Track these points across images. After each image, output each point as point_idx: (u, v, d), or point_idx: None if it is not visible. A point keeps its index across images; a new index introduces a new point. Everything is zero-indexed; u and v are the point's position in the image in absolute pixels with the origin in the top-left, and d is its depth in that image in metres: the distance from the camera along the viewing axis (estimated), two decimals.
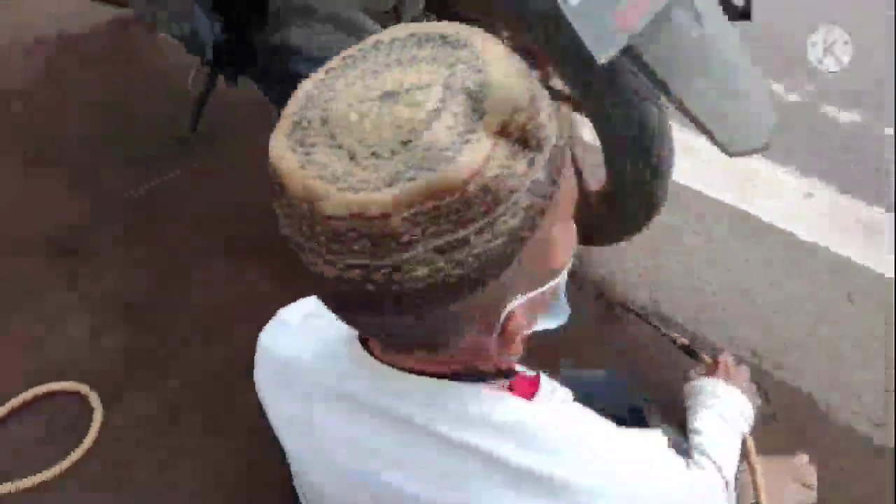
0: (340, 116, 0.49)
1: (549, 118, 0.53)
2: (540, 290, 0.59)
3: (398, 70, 0.51)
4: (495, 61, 0.50)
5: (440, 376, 0.64)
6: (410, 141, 0.47)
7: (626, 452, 0.67)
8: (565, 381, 1.01)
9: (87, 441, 1.58)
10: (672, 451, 0.73)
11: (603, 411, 0.71)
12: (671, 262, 1.77)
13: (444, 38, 0.52)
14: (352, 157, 0.48)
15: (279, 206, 0.52)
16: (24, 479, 1.53)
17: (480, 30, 0.54)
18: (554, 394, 0.77)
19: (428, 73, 0.50)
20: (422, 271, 0.49)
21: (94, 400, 1.64)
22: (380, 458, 0.66)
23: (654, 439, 0.72)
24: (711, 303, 1.68)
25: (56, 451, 1.57)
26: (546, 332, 0.68)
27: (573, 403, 0.74)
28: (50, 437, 1.60)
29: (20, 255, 1.99)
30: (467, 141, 0.48)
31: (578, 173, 1.58)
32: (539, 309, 0.64)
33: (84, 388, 1.66)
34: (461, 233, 0.48)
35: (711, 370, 1.28)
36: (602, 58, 1.02)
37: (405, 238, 0.48)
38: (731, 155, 1.16)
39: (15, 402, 1.64)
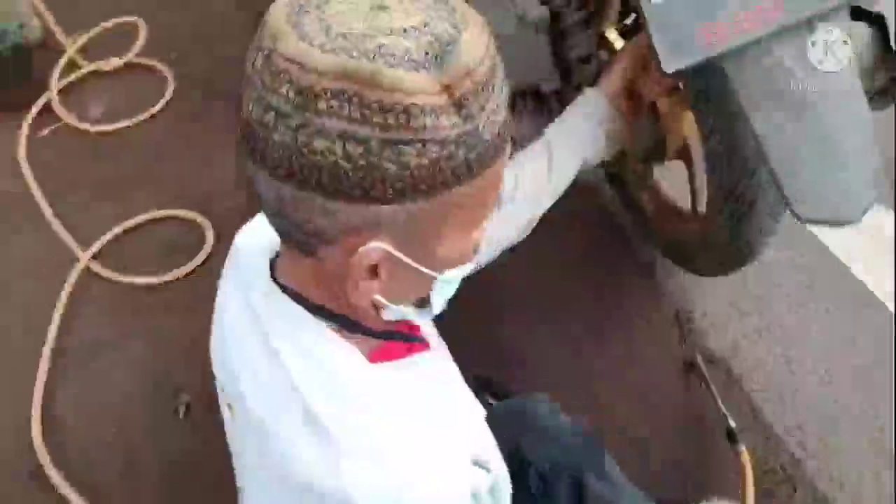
0: (335, 4, 0.57)
1: (497, 116, 0.58)
2: (405, 258, 0.61)
3: (402, 0, 0.58)
4: (474, 36, 0.56)
5: (317, 310, 0.69)
6: (370, 36, 0.54)
7: (407, 441, 0.66)
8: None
9: (192, 264, 1.85)
10: (466, 462, 0.71)
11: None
12: (761, 306, 1.64)
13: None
14: (326, 31, 0.56)
15: (253, 42, 0.60)
16: (132, 277, 1.84)
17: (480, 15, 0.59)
18: (438, 364, 0.80)
19: (419, 9, 0.57)
20: (319, 143, 0.54)
21: (209, 232, 1.91)
22: (245, 368, 0.74)
23: (454, 440, 0.71)
24: (783, 371, 1.54)
25: (167, 264, 1.86)
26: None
27: (424, 384, 0.74)
28: (166, 252, 1.90)
29: (201, 95, 2.28)
30: (414, 69, 0.54)
31: (692, 184, 1.49)
32: (405, 287, 0.67)
33: (203, 221, 1.93)
34: (366, 130, 0.54)
35: None
36: (670, 67, 0.97)
37: (321, 104, 0.54)
38: (800, 219, 1.04)
39: (144, 217, 1.97)
